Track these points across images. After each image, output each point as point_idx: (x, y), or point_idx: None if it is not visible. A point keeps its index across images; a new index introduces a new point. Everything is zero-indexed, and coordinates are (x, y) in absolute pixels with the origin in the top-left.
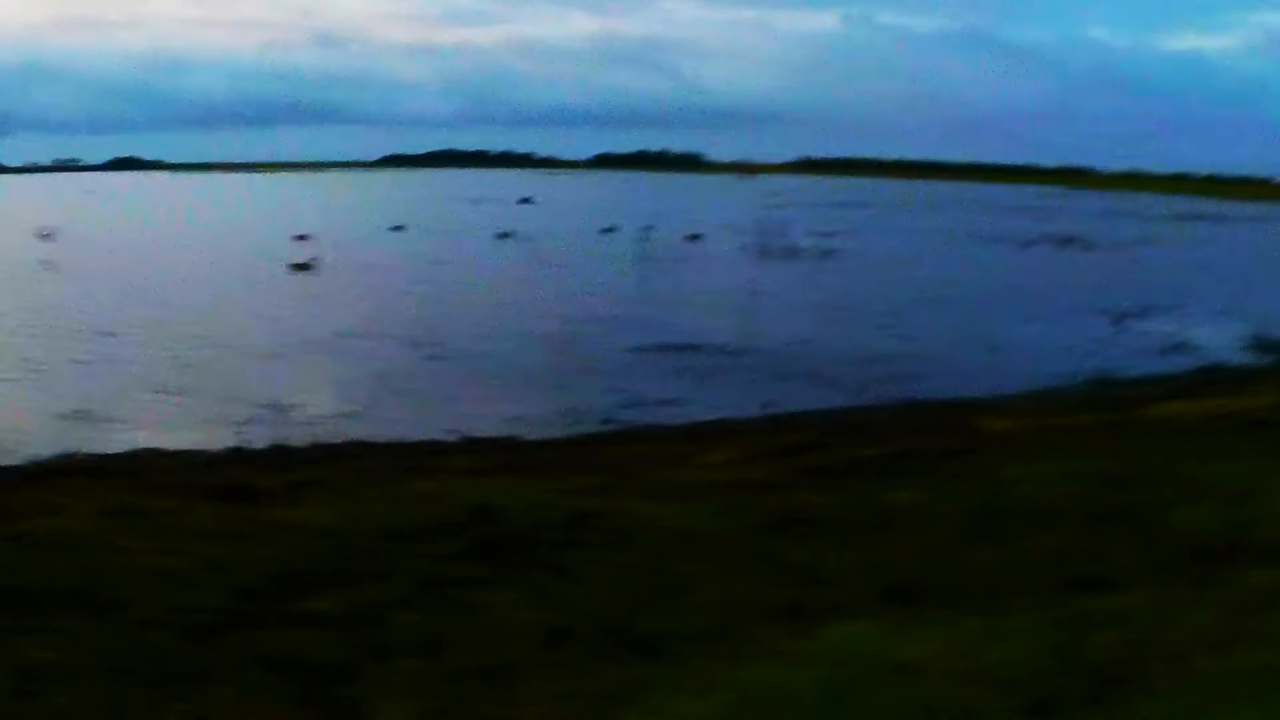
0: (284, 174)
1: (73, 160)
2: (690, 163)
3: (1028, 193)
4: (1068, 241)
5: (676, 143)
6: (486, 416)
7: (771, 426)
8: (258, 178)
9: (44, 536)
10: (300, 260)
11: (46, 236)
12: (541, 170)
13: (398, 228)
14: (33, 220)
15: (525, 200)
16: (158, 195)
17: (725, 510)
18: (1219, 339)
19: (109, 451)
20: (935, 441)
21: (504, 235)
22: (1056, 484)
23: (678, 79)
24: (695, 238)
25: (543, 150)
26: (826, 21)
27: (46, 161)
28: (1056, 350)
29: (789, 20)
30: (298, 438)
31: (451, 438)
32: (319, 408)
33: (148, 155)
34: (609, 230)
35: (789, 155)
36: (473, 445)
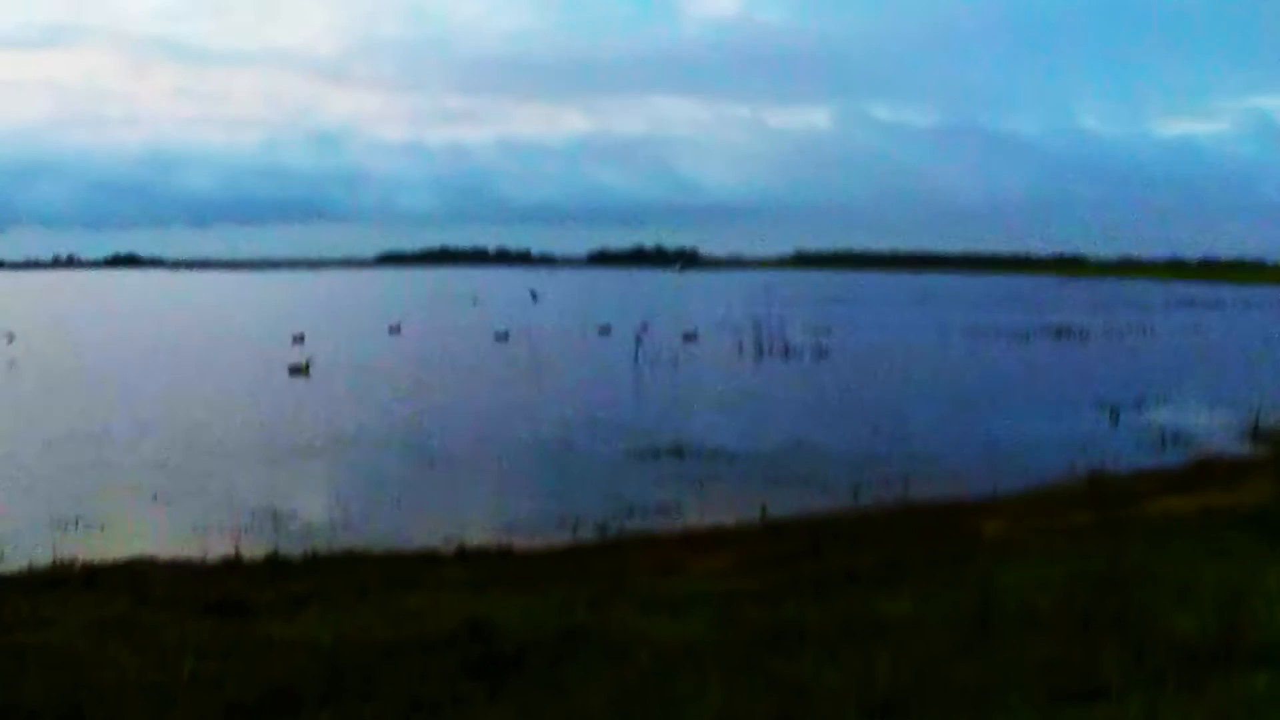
0: (281, 271)
1: (72, 256)
2: (685, 259)
3: (1021, 283)
4: (1062, 333)
5: (671, 238)
6: (481, 525)
7: (766, 533)
8: (256, 276)
9: (36, 650)
10: (297, 363)
11: (9, 338)
12: (540, 268)
13: (395, 328)
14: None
15: (533, 295)
16: (155, 293)
17: (718, 623)
18: (1215, 429)
19: (103, 560)
20: (929, 547)
21: (502, 336)
22: (1049, 589)
23: (671, 175)
24: (691, 337)
25: (539, 247)
26: (819, 118)
27: (46, 258)
28: (1053, 445)
29: (782, 117)
30: (293, 547)
31: (446, 548)
32: (314, 516)
33: (145, 252)
34: (605, 330)
35: (783, 249)
36: (466, 555)
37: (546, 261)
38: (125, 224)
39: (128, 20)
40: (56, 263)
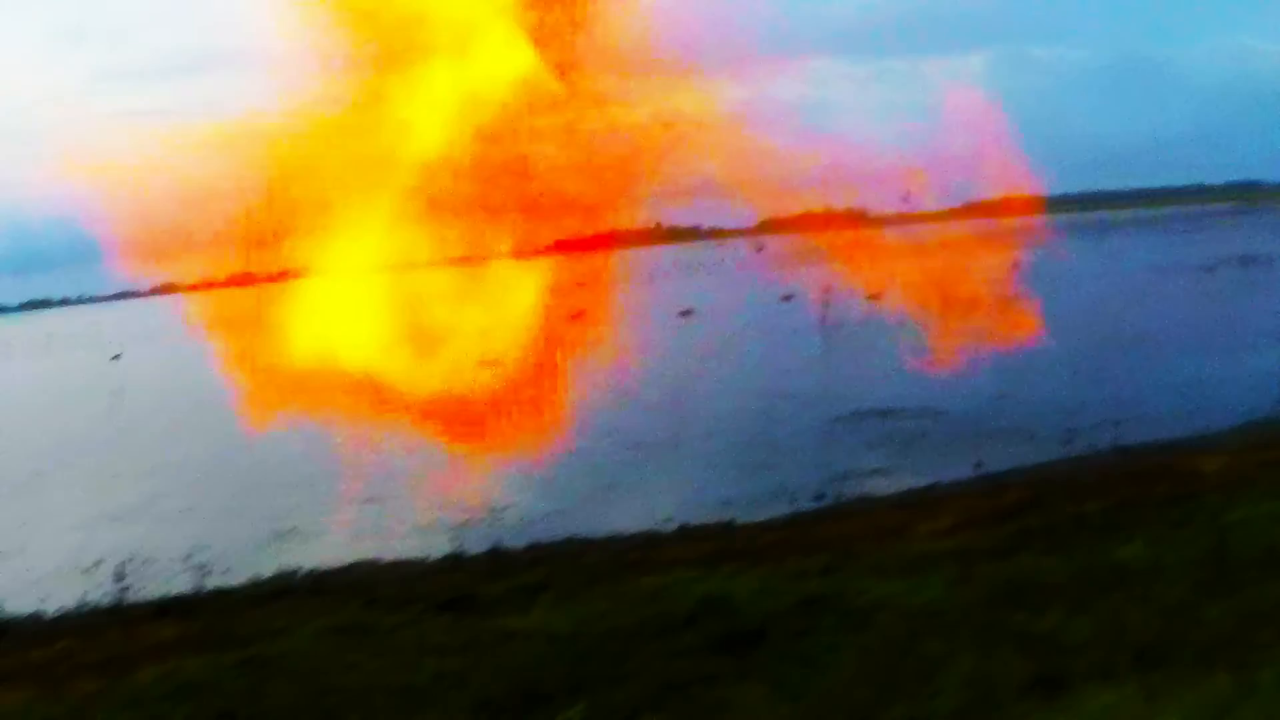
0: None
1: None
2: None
3: (1196, 214)
4: (1248, 261)
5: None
6: (697, 503)
7: (985, 488)
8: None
9: (273, 660)
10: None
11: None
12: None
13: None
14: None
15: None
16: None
17: (955, 582)
18: None
19: (326, 566)
20: (1153, 489)
21: (685, 313)
22: None
23: (832, 137)
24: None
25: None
26: (976, 63)
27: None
28: (1258, 378)
29: (939, 66)
30: (513, 540)
31: (666, 528)
32: (528, 507)
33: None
34: (788, 298)
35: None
36: (688, 534)
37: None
38: None
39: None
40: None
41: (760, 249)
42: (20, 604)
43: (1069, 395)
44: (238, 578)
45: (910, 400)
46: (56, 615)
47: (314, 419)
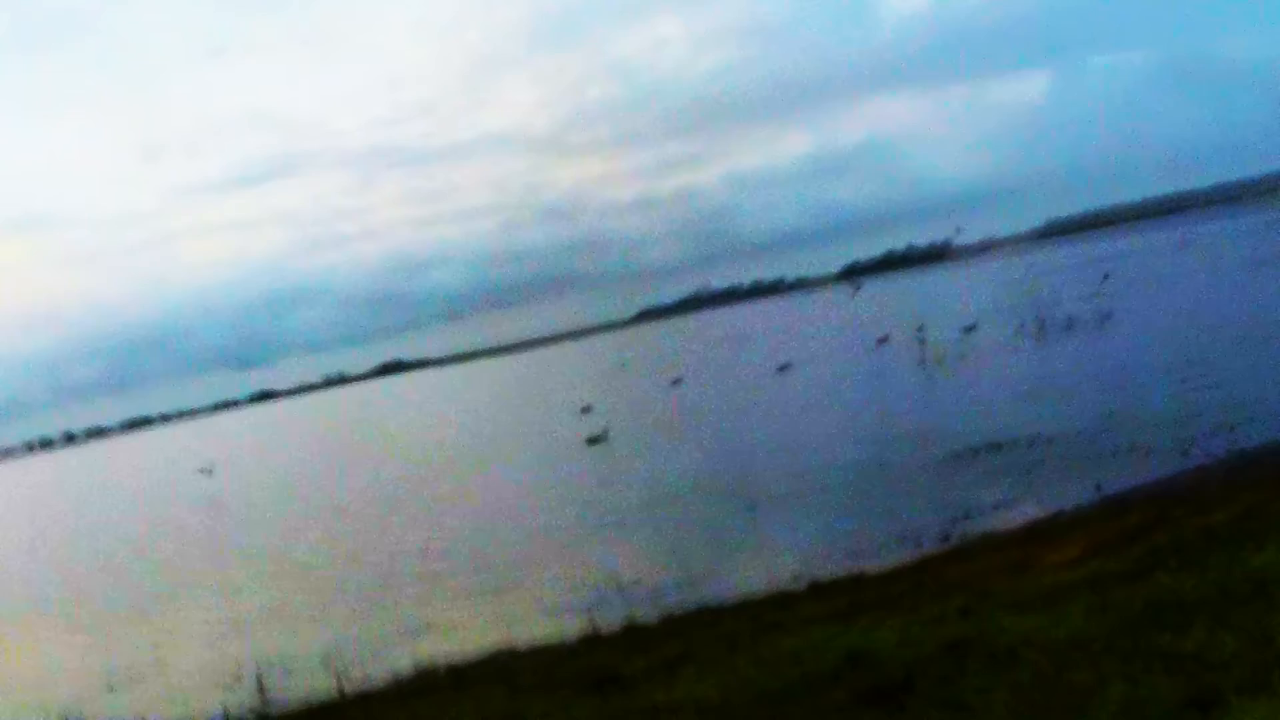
0: (542, 349)
1: (340, 374)
2: (937, 254)
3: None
4: None
5: (917, 236)
6: (824, 557)
7: (1108, 510)
8: (520, 357)
9: None
10: (593, 433)
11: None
12: (795, 293)
13: (676, 381)
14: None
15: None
16: (436, 394)
17: (1093, 610)
18: None
19: (465, 659)
20: (1278, 493)
21: (783, 368)
22: None
23: (903, 174)
24: (970, 329)
25: (791, 273)
26: (1039, 81)
27: (317, 379)
28: None
29: (1001, 89)
30: (647, 614)
31: (797, 585)
32: (657, 579)
33: (409, 355)
34: (883, 341)
35: (1032, 223)
36: (820, 590)
37: (801, 286)
38: (383, 331)
39: (344, 136)
40: (328, 382)
41: (857, 290)
42: None
43: (1179, 403)
44: (378, 677)
45: (1020, 429)
46: None
47: (430, 508)
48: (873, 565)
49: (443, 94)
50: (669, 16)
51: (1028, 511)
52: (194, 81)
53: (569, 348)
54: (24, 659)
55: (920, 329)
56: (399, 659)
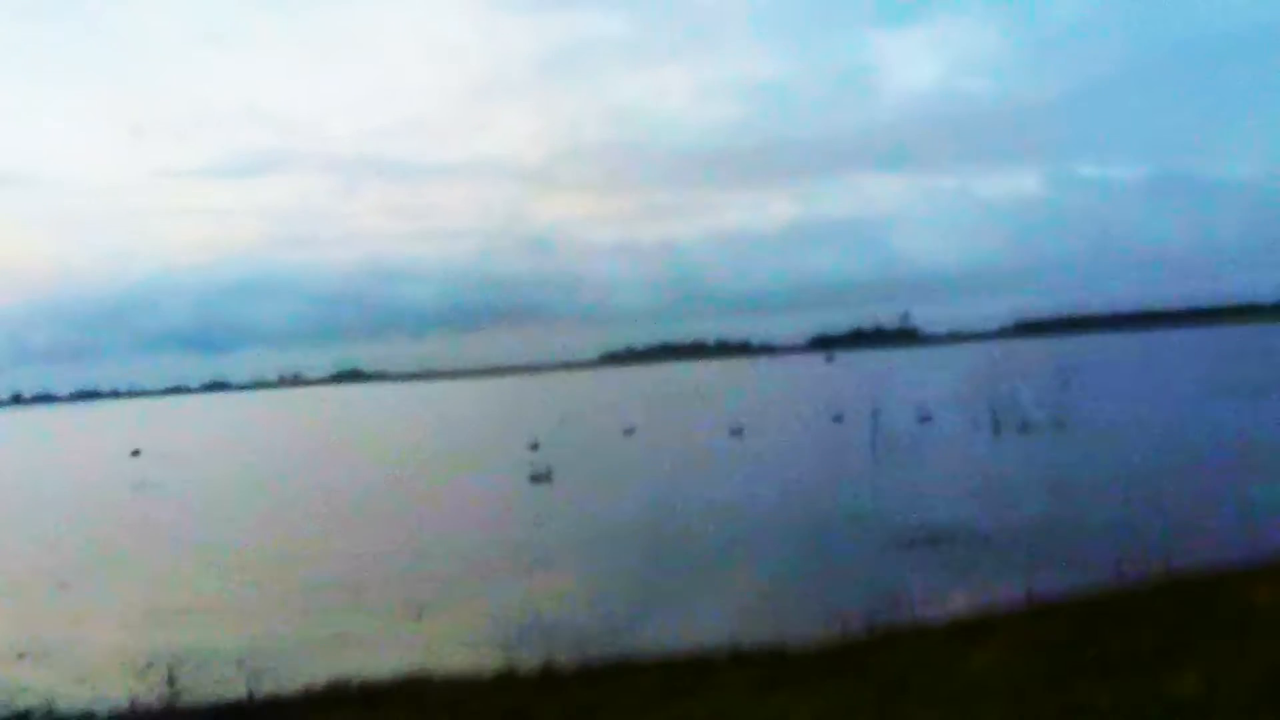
0: (502, 378)
1: (296, 374)
2: (905, 336)
3: (1249, 333)
4: None
5: (886, 317)
6: (749, 625)
7: (1036, 616)
8: (478, 383)
9: None
10: (537, 471)
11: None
12: (760, 358)
13: (629, 430)
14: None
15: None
16: (389, 408)
17: (1010, 716)
18: None
19: (378, 678)
20: (1207, 619)
21: (736, 432)
22: None
23: (882, 253)
24: (926, 419)
25: (758, 336)
26: (1026, 182)
27: (273, 377)
28: None
29: (989, 185)
30: (566, 658)
31: (718, 653)
32: (580, 623)
33: (368, 366)
34: (838, 419)
35: (1003, 319)
36: (740, 658)
37: (766, 350)
38: (346, 337)
39: (334, 141)
40: (284, 381)
41: (829, 360)
42: (73, 702)
43: (1121, 519)
44: (289, 686)
45: (961, 524)
46: (109, 716)
47: (365, 521)
48: (796, 641)
49: (438, 113)
50: (674, 66)
51: (957, 606)
52: (189, 66)
53: (528, 381)
54: None
55: (876, 411)
56: (313, 668)
